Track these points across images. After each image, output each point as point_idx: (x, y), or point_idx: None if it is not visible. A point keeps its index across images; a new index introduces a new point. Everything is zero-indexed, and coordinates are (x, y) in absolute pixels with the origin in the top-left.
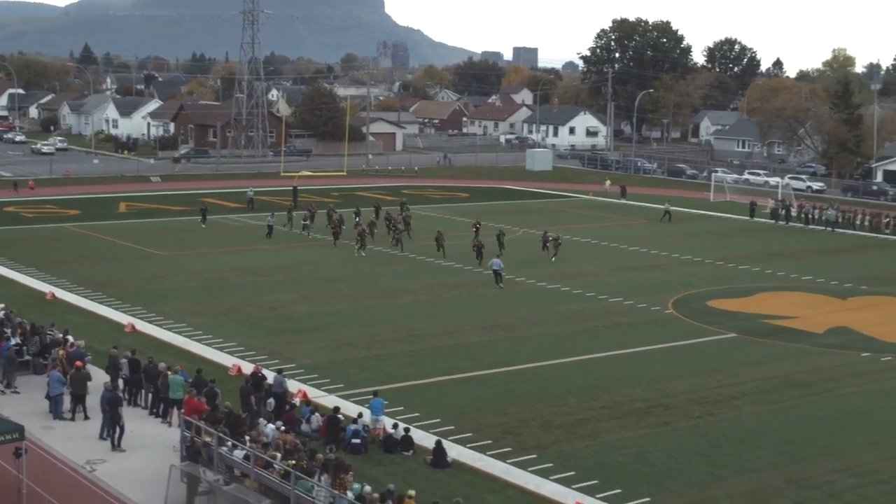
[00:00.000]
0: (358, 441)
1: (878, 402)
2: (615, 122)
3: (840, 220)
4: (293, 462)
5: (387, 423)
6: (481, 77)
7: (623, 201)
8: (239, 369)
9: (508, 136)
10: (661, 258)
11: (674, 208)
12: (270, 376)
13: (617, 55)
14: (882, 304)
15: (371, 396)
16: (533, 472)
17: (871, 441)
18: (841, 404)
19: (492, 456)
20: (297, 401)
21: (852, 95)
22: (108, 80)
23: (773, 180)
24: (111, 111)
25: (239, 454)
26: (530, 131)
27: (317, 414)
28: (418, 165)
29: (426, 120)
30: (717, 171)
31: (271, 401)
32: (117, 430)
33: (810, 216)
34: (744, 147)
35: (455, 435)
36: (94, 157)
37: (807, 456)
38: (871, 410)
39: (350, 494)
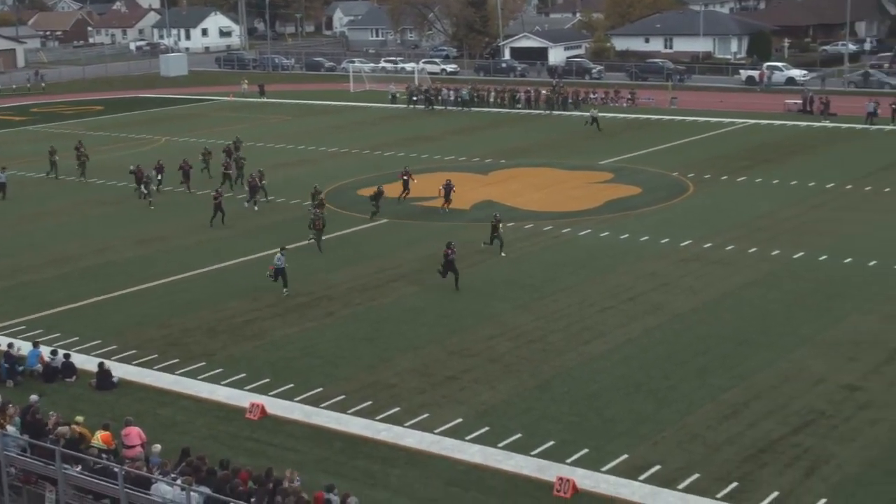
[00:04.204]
0: (7, 365)
1: (523, 267)
2: (248, 21)
3: (475, 98)
4: None
5: (44, 351)
6: None
7: (263, 99)
8: None
9: (139, 43)
10: (309, 153)
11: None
12: None
13: None
14: (519, 175)
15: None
16: (204, 379)
17: (520, 305)
18: (491, 274)
19: (159, 370)
20: None
21: None
22: None
23: (409, 66)
24: None
25: None
26: (161, 36)
27: None
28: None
29: (48, 33)
30: (353, 62)
31: None
32: None
33: (446, 98)
34: (378, 36)
35: (118, 354)
36: None
37: (465, 326)
38: (519, 276)
39: (11, 430)
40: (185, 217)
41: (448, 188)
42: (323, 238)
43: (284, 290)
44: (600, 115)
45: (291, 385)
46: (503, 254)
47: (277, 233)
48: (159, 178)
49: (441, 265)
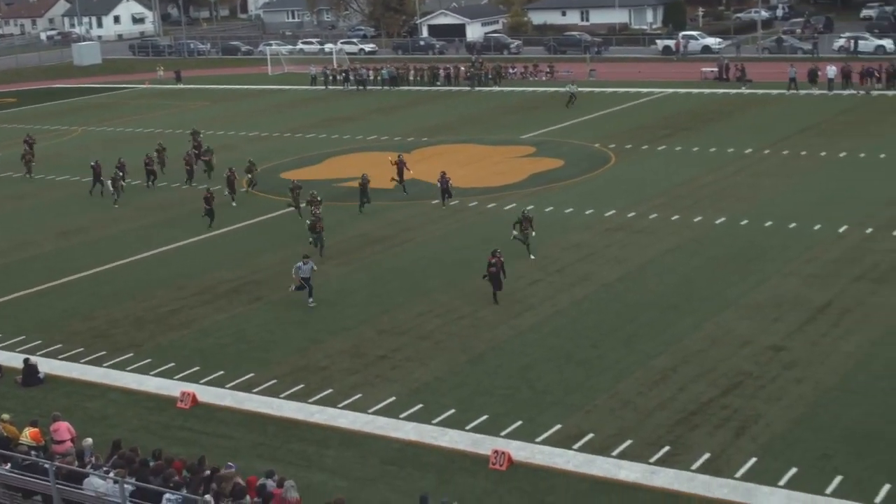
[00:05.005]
0: None
1: (451, 244)
2: (161, 6)
3: (396, 77)
4: None
5: None
6: None
7: (180, 86)
8: None
9: (49, 33)
10: (228, 137)
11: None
12: None
13: None
14: (442, 153)
15: None
16: (132, 370)
17: (449, 281)
18: (420, 251)
19: (86, 363)
20: None
21: None
22: None
23: (327, 47)
24: None
25: None
26: (72, 25)
27: None
28: None
29: None
30: (271, 45)
31: None
32: None
33: (366, 78)
34: (294, 17)
35: (44, 349)
36: None
37: (395, 304)
38: (447, 253)
39: None
40: (106, 207)
41: (444, 183)
42: (325, 239)
43: (310, 300)
44: (579, 90)
45: (222, 372)
46: (532, 256)
47: (198, 219)
48: (121, 174)
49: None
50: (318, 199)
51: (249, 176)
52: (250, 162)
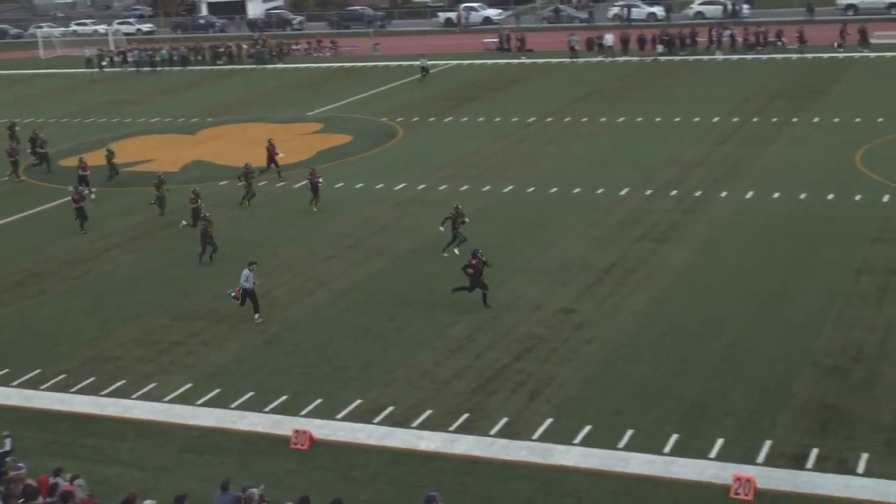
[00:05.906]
0: None
1: (241, 224)
2: None
3: (175, 57)
4: None
5: None
6: None
7: None
8: None
9: None
10: (1, 126)
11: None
12: None
13: None
14: (228, 133)
15: None
16: None
17: (242, 263)
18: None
19: None
20: None
21: None
22: None
23: (102, 28)
24: None
25: None
26: None
27: None
28: None
29: None
30: (42, 27)
31: None
32: None
33: (142, 59)
34: None
35: None
36: None
37: (188, 290)
38: (239, 234)
39: None
40: None
41: (314, 181)
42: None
43: (256, 315)
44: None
45: (7, 370)
46: (456, 251)
47: None
48: None
49: (469, 280)
50: (199, 196)
51: (111, 165)
52: (109, 150)
